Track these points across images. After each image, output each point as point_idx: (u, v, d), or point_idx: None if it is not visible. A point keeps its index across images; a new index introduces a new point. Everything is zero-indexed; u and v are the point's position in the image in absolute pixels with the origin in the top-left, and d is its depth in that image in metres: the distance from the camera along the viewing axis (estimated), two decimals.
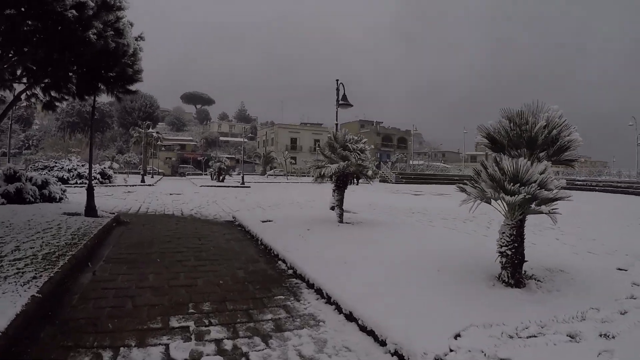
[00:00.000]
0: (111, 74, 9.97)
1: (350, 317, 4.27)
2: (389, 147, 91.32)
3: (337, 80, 14.37)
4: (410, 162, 66.87)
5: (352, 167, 9.89)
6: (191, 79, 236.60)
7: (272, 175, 57.34)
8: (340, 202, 10.31)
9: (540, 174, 4.62)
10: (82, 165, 27.66)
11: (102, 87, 10.49)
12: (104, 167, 28.81)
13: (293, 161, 58.26)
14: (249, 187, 30.48)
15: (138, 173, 46.15)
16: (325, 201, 19.19)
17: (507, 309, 4.13)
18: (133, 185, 27.72)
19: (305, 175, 63.17)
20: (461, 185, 5.54)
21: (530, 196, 4.60)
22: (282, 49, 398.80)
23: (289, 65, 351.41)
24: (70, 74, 10.19)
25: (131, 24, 8.80)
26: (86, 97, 11.01)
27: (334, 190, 10.37)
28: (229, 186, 30.32)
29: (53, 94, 10.82)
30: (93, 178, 26.84)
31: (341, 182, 10.21)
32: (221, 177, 35.40)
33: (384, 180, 51.11)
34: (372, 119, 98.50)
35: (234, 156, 73.81)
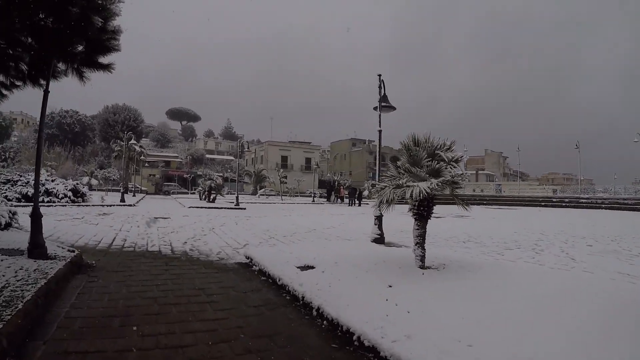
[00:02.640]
0: (77, 48, 6.63)
1: None
2: (382, 166, 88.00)
3: (380, 75, 11.08)
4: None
5: (447, 188, 6.54)
6: (177, 95, 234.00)
7: (263, 195, 53.82)
8: (422, 238, 6.85)
9: None
10: (52, 180, 23.96)
11: (61, 64, 7.07)
12: (77, 183, 24.87)
13: (285, 180, 54.83)
14: (245, 208, 26.97)
15: (119, 190, 42.44)
16: (346, 227, 15.79)
17: None
18: (110, 205, 23.87)
19: (298, 195, 59.90)
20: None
21: None
22: (272, 67, 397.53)
23: (277, 84, 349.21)
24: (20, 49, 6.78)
25: None
26: (41, 82, 7.41)
27: (415, 221, 6.90)
28: (221, 207, 26.71)
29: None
30: (63, 196, 23.23)
31: (425, 209, 6.78)
32: (212, 197, 31.71)
33: None
34: (363, 137, 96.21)
35: (222, 174, 70.07)
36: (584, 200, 40.30)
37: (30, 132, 79.74)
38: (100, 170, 54.77)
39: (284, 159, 79.70)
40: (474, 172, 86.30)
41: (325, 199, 47.55)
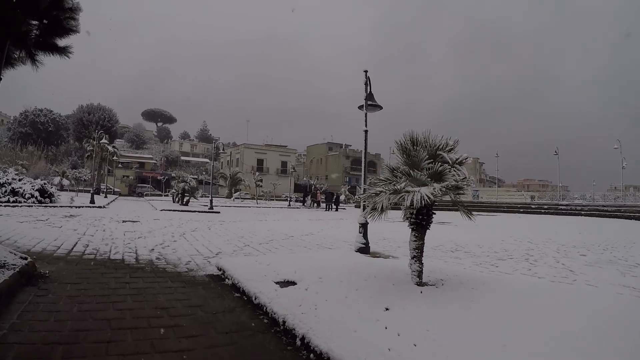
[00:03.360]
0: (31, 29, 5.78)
1: None
2: (359, 171, 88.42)
3: (366, 71, 10.37)
4: None
5: (451, 193, 5.81)
6: (154, 97, 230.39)
7: (238, 198, 52.77)
8: (420, 251, 6.10)
9: None
10: (20, 180, 22.72)
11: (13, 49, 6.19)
12: (44, 183, 23.62)
13: (260, 183, 53.95)
14: (219, 212, 26.01)
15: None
16: (325, 234, 15.02)
17: None
18: (79, 207, 22.62)
19: (274, 199, 59.00)
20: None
21: None
22: (250, 71, 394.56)
23: (255, 88, 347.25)
24: None
25: None
26: None
27: (413, 231, 6.13)
28: (194, 211, 25.71)
29: None
30: (30, 196, 21.97)
31: (424, 218, 6.03)
32: (185, 200, 30.63)
33: (360, 205, 47.46)
34: (340, 141, 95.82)
35: (196, 176, 68.87)
36: (563, 207, 40.25)
37: (4, 131, 77.31)
38: (72, 170, 53.14)
39: (260, 162, 78.74)
40: None
41: (301, 203, 46.73)
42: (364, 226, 10.02)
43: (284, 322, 4.57)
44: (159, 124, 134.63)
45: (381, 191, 5.86)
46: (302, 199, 48.42)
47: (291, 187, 56.11)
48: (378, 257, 9.43)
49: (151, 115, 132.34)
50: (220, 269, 7.44)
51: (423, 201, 5.31)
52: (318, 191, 46.36)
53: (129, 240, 10.70)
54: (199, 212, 25.35)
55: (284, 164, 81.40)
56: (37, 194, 21.93)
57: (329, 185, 67.31)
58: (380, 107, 10.51)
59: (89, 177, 49.29)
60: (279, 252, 10.07)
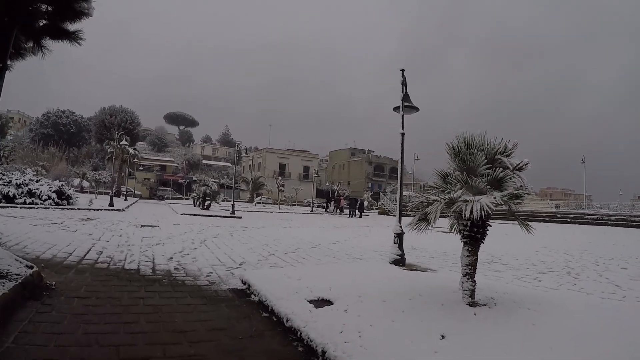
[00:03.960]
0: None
1: None
2: (381, 177, 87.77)
3: (402, 70, 9.59)
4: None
5: (511, 203, 5.02)
6: (176, 100, 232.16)
7: (260, 203, 52.20)
8: (473, 267, 5.29)
9: None
10: (37, 181, 22.31)
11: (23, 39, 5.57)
12: (62, 185, 23.11)
13: (282, 188, 53.31)
14: (241, 217, 25.37)
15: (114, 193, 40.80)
16: (353, 243, 14.22)
17: None
18: (97, 210, 22.15)
19: (296, 204, 58.38)
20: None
21: None
22: (273, 75, 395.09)
23: (278, 92, 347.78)
24: None
25: None
26: None
27: (466, 245, 5.35)
28: (216, 215, 25.11)
29: None
30: (47, 198, 21.52)
31: (479, 231, 5.23)
32: (206, 204, 30.06)
33: (383, 212, 46.69)
34: (362, 147, 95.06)
35: (217, 180, 68.60)
36: (589, 217, 38.90)
37: (26, 132, 78.07)
38: (92, 172, 53.13)
39: (282, 166, 78.21)
40: None
41: (324, 209, 45.95)
42: (399, 236, 9.22)
43: (324, 352, 3.83)
44: (181, 128, 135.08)
45: (435, 200, 5.04)
46: (324, 204, 47.57)
47: (313, 193, 55.44)
48: (415, 269, 8.62)
49: (173, 118, 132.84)
50: (245, 283, 6.71)
51: (483, 212, 4.52)
52: (341, 197, 45.54)
53: (146, 247, 10.03)
54: (220, 217, 24.75)
55: (306, 169, 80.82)
56: (54, 195, 21.45)
57: (351, 191, 66.46)
58: (417, 109, 9.73)
59: (109, 179, 49.22)
60: (307, 263, 9.31)
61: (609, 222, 36.60)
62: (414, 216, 5.65)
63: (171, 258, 8.81)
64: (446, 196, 5.00)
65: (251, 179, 63.22)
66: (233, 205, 27.31)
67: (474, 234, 5.23)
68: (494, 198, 4.71)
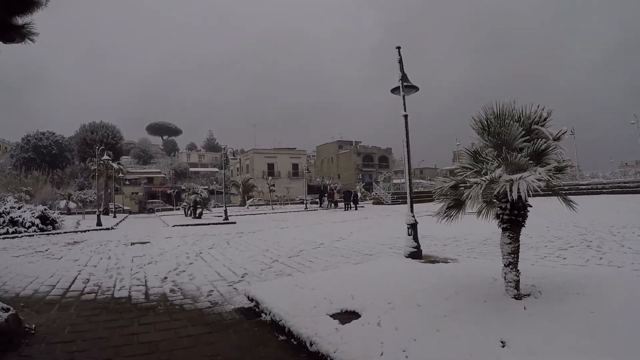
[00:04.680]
0: None
1: None
2: (371, 167, 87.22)
3: (399, 48, 8.81)
4: (393, 182, 61.61)
5: (555, 177, 4.27)
6: (158, 110, 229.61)
7: (252, 205, 51.27)
8: (516, 255, 4.56)
9: None
10: (19, 208, 21.24)
11: None
12: (45, 209, 21.94)
13: (273, 188, 52.36)
14: (235, 222, 24.48)
15: (101, 212, 39.58)
16: (357, 238, 13.43)
17: None
18: (84, 231, 21.11)
19: (288, 203, 57.52)
20: None
21: None
22: (253, 76, 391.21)
23: (259, 92, 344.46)
24: None
25: None
26: None
27: (506, 231, 4.60)
28: (209, 223, 24.16)
29: None
30: (31, 224, 20.54)
31: (519, 213, 4.49)
32: (198, 212, 29.10)
33: (378, 202, 46.01)
34: (350, 139, 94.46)
35: (207, 187, 67.53)
36: (583, 187, 38.66)
37: (7, 158, 76.29)
38: (77, 192, 51.81)
39: (271, 166, 77.16)
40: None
41: (318, 205, 45.10)
42: (413, 227, 8.46)
43: None
44: (165, 138, 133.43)
45: (474, 182, 4.23)
46: (318, 200, 46.69)
47: (305, 189, 54.68)
48: (435, 261, 7.86)
49: (156, 129, 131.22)
50: (252, 300, 5.89)
51: (530, 191, 3.76)
52: (335, 191, 44.70)
53: (138, 268, 9.13)
54: (213, 224, 23.82)
55: (294, 166, 79.87)
56: (37, 221, 20.27)
57: (342, 184, 65.70)
58: (417, 88, 8.98)
59: (95, 197, 48.06)
60: (315, 267, 8.52)
61: (604, 190, 36.65)
62: (442, 203, 4.93)
63: (165, 278, 7.96)
64: (484, 177, 4.19)
65: (241, 182, 62.20)
66: (226, 211, 26.38)
67: (514, 217, 4.48)
68: (539, 174, 3.94)
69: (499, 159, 4.37)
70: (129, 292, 6.91)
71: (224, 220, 25.22)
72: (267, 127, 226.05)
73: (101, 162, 33.15)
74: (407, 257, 8.30)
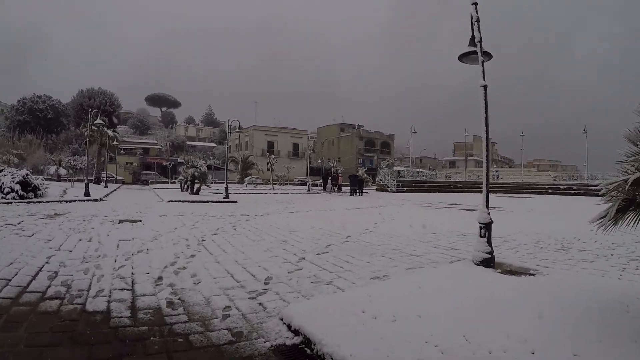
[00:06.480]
0: None
1: None
2: (372, 152, 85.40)
3: (475, 4, 6.69)
4: (394, 169, 59.84)
5: None
6: (158, 81, 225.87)
7: (251, 183, 49.26)
8: None
9: None
10: (7, 173, 19.09)
11: None
12: (27, 174, 19.58)
13: (274, 167, 50.35)
14: (236, 201, 22.47)
15: (92, 180, 37.35)
16: (387, 231, 11.41)
17: None
18: (70, 202, 18.94)
19: (288, 184, 55.51)
20: None
21: None
22: (256, 54, 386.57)
23: (261, 71, 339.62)
24: None
25: None
26: None
27: None
28: (208, 201, 22.13)
29: None
30: (10, 190, 18.30)
31: None
32: (196, 188, 27.00)
33: (382, 188, 44.11)
34: (352, 122, 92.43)
35: (205, 161, 65.48)
36: (592, 188, 36.94)
37: (2, 120, 73.66)
38: (68, 158, 49.46)
39: (271, 144, 75.03)
40: (464, 158, 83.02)
41: (322, 188, 43.08)
42: (487, 227, 6.43)
43: None
44: (163, 109, 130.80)
45: None
46: (322, 183, 44.64)
47: (307, 171, 52.63)
48: (516, 273, 5.93)
49: (155, 100, 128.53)
50: (297, 332, 3.83)
51: None
52: (340, 175, 42.69)
53: (124, 260, 6.94)
54: (213, 202, 21.76)
55: (295, 146, 77.83)
56: (17, 187, 17.96)
57: (343, 168, 63.77)
58: (491, 56, 6.86)
59: (85, 164, 45.78)
60: (357, 270, 6.51)
61: None
62: (608, 203, 3.11)
63: (160, 278, 5.83)
64: None
65: (240, 158, 60.19)
66: (227, 189, 24.27)
67: None
68: None
69: None
70: (108, 301, 4.75)
71: (224, 198, 23.16)
72: (269, 106, 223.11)
73: (95, 126, 30.85)
74: (477, 264, 6.32)
